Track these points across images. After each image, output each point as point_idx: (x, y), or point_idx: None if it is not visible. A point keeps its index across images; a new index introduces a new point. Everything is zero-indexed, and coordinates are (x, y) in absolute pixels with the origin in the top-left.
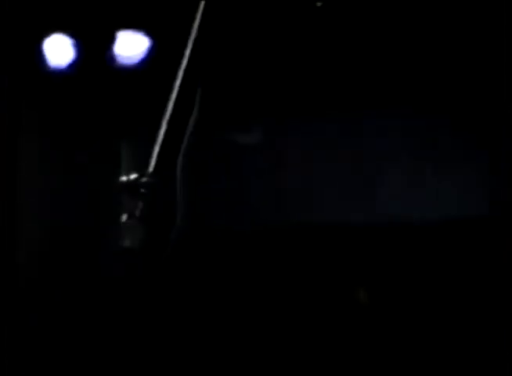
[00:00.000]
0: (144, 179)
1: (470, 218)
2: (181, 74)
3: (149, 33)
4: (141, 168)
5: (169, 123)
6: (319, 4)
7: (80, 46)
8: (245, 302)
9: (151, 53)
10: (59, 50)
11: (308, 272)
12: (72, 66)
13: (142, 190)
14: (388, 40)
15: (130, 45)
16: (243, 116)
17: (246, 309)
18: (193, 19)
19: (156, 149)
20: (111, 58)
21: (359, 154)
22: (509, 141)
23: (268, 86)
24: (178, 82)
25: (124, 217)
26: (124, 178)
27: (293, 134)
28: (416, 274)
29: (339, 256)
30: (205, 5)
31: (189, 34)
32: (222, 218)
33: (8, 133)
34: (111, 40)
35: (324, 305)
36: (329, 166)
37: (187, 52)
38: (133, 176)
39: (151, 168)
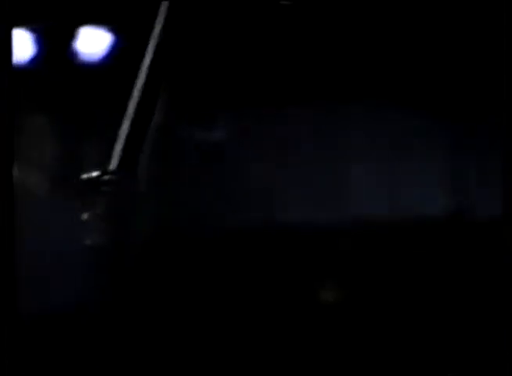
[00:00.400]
0: (106, 177)
1: (437, 219)
2: (143, 71)
3: (111, 29)
4: (103, 166)
5: (131, 121)
6: (284, 1)
7: (41, 42)
8: (210, 303)
9: (113, 50)
10: (20, 46)
11: (271, 272)
12: (33, 61)
13: (104, 188)
14: (356, 33)
15: (92, 42)
16: (206, 114)
17: (211, 309)
18: (156, 15)
19: (118, 146)
20: (73, 54)
21: (325, 153)
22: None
23: (230, 84)
24: (140, 80)
25: (86, 214)
26: (85, 175)
27: (256, 132)
28: (383, 273)
29: (304, 256)
30: (168, 4)
31: (151, 30)
32: (185, 219)
33: None
34: (73, 36)
35: (288, 305)
36: (293, 166)
37: (149, 50)
38: (95, 174)
39: (113, 166)
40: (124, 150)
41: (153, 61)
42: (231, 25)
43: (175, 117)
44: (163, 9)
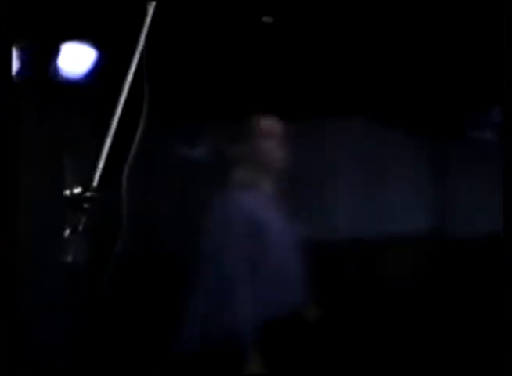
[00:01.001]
0: (88, 194)
1: (417, 235)
2: (126, 87)
3: (95, 45)
4: (85, 183)
5: (114, 137)
6: (268, 19)
7: (24, 59)
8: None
9: (97, 66)
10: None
11: None
12: (15, 78)
13: (86, 205)
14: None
15: (75, 58)
16: (190, 130)
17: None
18: (139, 32)
19: (101, 163)
20: (55, 71)
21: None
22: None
23: (214, 100)
24: (122, 96)
25: (67, 232)
26: (67, 192)
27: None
28: (363, 290)
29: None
30: (151, 19)
31: (135, 46)
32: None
33: None
34: (55, 53)
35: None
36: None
37: (132, 66)
38: (77, 191)
39: (95, 183)
40: (107, 166)
41: (135, 77)
42: (214, 42)
43: (159, 133)
44: (146, 25)
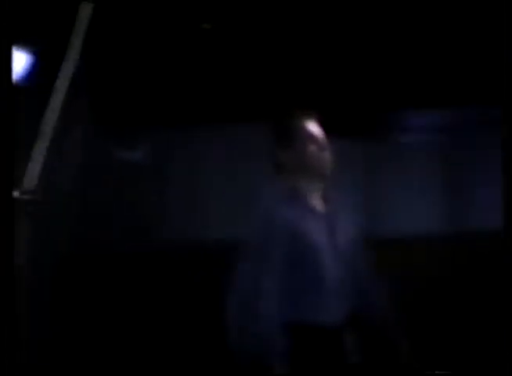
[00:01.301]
0: (27, 197)
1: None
2: (60, 90)
3: (27, 49)
4: (21, 186)
5: (52, 140)
6: (206, 26)
7: None
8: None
9: (30, 69)
10: None
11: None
12: None
13: (28, 208)
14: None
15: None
16: (127, 132)
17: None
18: (71, 33)
19: (37, 166)
20: None
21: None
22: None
23: (151, 103)
24: (55, 99)
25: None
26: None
27: (180, 149)
28: None
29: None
30: (91, 18)
31: (76, 48)
32: (108, 239)
33: None
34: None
35: None
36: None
37: (66, 68)
38: (15, 194)
39: (33, 186)
40: (42, 168)
41: (71, 80)
42: (155, 47)
43: (95, 135)
44: (82, 27)
